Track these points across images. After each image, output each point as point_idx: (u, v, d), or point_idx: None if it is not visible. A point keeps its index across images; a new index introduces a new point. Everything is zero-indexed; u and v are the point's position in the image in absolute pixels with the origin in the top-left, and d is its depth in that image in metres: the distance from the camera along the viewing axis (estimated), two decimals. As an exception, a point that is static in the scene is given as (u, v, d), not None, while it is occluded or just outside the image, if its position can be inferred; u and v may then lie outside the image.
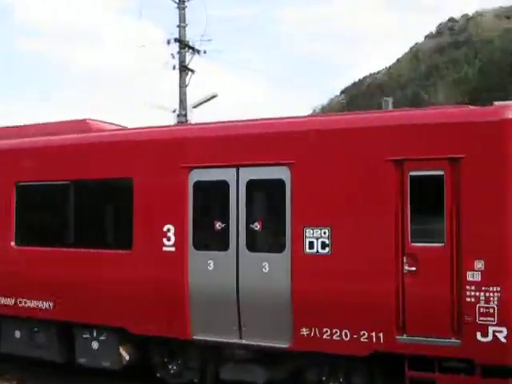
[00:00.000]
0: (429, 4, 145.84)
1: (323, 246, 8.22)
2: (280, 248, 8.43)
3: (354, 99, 78.38)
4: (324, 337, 8.17)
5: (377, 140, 8.03)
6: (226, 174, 8.78)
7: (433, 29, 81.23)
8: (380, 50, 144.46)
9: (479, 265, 7.51)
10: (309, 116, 12.65)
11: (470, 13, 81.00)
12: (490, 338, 7.52)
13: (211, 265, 8.83)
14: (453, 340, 7.64)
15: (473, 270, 7.52)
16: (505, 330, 7.43)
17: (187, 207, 8.92)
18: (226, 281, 8.71)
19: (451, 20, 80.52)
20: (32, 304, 10.00)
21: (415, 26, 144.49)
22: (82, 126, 10.41)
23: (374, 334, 7.91)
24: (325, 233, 8.15)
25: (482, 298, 7.52)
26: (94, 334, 9.75)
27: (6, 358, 10.74)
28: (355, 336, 8.01)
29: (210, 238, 9.06)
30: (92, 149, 9.90)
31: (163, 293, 9.03)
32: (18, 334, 10.38)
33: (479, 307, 7.50)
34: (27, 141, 10.50)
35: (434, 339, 7.68)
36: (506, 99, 8.19)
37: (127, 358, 9.61)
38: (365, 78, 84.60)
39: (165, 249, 9.03)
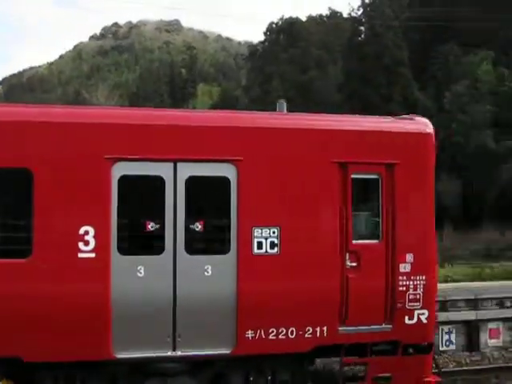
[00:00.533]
0: (95, 6, 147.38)
1: (272, 245, 8.03)
2: (224, 249, 7.95)
3: (12, 90, 74.84)
4: (270, 337, 8.00)
5: (321, 142, 8.25)
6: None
7: (98, 30, 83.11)
8: (44, 44, 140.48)
9: (409, 258, 8.47)
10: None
11: (134, 21, 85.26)
12: (415, 320, 8.54)
13: (141, 271, 7.71)
14: (385, 325, 8.42)
15: (404, 262, 8.46)
16: (426, 312, 8.59)
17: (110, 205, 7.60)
18: (160, 288, 7.74)
19: (115, 25, 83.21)
20: None
21: (81, 26, 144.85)
22: None
23: (318, 328, 8.09)
24: (274, 232, 8.02)
25: (411, 286, 8.50)
26: None
27: None
28: (300, 333, 8.03)
29: (141, 241, 7.99)
30: None
31: (75, 308, 7.48)
32: None
33: (408, 294, 8.46)
34: None
35: (371, 327, 8.31)
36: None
37: None
38: (25, 70, 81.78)
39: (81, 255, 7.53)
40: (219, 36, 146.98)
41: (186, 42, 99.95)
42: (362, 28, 51.96)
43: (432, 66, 44.45)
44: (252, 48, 68.74)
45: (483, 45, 40.20)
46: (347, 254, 8.31)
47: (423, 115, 10.25)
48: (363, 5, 52.77)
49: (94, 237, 7.49)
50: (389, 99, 42.00)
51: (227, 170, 7.99)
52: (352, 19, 54.96)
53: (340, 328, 8.22)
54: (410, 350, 8.67)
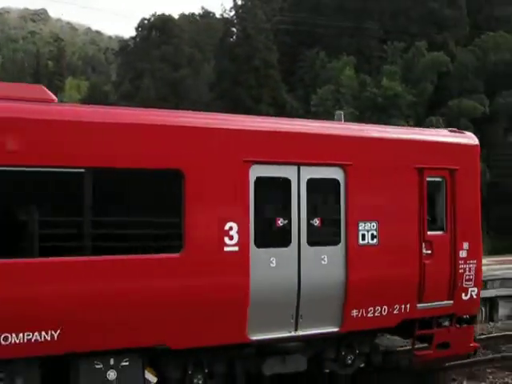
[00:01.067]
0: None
1: (372, 237, 9.69)
2: (336, 241, 9.42)
3: None
4: (368, 315, 9.58)
5: (406, 151, 10.31)
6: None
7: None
8: None
9: (466, 246, 10.60)
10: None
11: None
12: (468, 296, 10.70)
13: (273, 262, 8.84)
14: (448, 302, 10.43)
15: (462, 249, 10.56)
16: (476, 289, 10.80)
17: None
18: (288, 276, 8.95)
19: (-26, 11, 78.31)
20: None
21: None
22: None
23: (403, 305, 9.89)
24: (373, 226, 9.70)
25: (467, 268, 10.61)
26: (111, 362, 8.03)
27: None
28: (391, 310, 9.78)
29: (272, 235, 9.09)
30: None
31: (221, 297, 8.39)
32: None
33: (465, 275, 10.56)
34: None
35: (438, 303, 10.28)
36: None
37: (153, 381, 8.46)
38: None
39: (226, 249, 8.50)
40: (89, 29, 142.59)
41: (53, 33, 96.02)
42: (234, 29, 52.68)
43: (300, 70, 46.10)
44: (123, 43, 67.32)
45: (346, 51, 42.28)
46: (423, 243, 10.19)
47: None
48: (235, 6, 53.56)
49: (238, 232, 8.52)
50: (259, 100, 42.98)
51: (338, 173, 9.48)
52: (224, 20, 55.57)
53: (418, 305, 10.09)
54: (463, 321, 11.01)
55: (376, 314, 9.74)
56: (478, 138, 11.70)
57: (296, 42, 47.32)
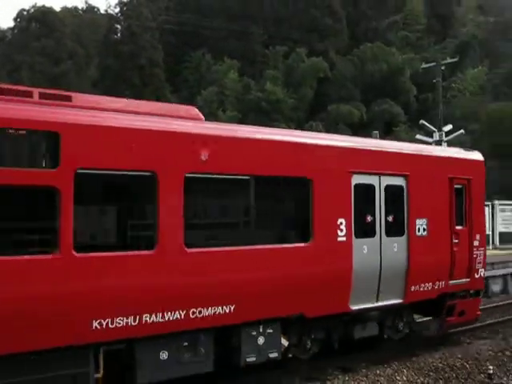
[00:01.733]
0: None
1: (424, 230, 12.63)
2: (402, 233, 12.13)
3: None
4: (420, 289, 12.49)
5: (444, 165, 13.37)
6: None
7: None
8: None
9: (478, 237, 13.94)
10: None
11: None
12: (479, 275, 13.99)
13: (365, 249, 11.52)
14: (466, 279, 13.56)
15: (475, 240, 13.90)
16: (483, 270, 14.21)
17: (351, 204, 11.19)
18: (374, 260, 11.60)
19: None
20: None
21: None
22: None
23: (440, 282, 12.89)
24: (424, 222, 12.65)
25: (478, 254, 14.04)
26: (261, 330, 10.27)
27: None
28: (433, 285, 12.81)
29: (365, 228, 11.54)
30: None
31: (336, 276, 10.95)
32: (164, 355, 9.20)
33: (477, 259, 13.91)
34: None
35: (460, 280, 13.39)
36: None
37: (286, 344, 10.68)
38: None
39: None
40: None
41: None
42: (119, 26, 51.75)
43: (185, 70, 46.11)
44: (0, 34, 64.04)
45: (231, 54, 42.88)
46: (453, 235, 13.28)
47: None
48: (120, 3, 52.62)
49: (345, 226, 11.13)
50: (143, 99, 42.41)
51: (402, 181, 12.41)
52: (109, 16, 54.42)
53: (449, 282, 13.13)
54: (474, 295, 14.12)
55: (425, 289, 12.77)
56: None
57: (182, 42, 47.29)
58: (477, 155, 14.79)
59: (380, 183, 12.07)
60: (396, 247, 12.12)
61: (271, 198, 10.74)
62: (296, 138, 11.24)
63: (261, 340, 10.35)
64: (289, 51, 41.76)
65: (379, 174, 12.03)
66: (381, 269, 11.85)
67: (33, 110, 8.21)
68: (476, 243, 14.03)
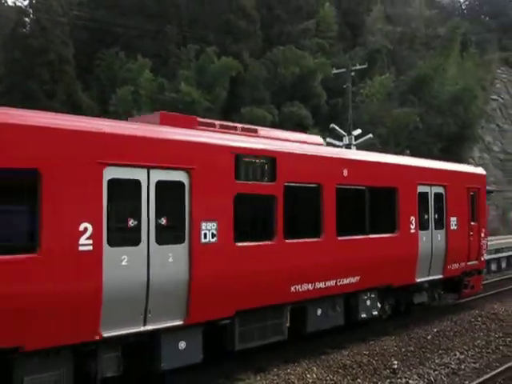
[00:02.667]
0: None
1: (455, 225, 18.11)
2: (441, 226, 18.18)
3: None
4: (452, 268, 17.96)
5: (464, 178, 19.34)
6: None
7: None
8: None
9: (483, 230, 19.60)
10: None
11: None
12: (483, 258, 19.97)
13: (424, 239, 17.07)
14: (476, 261, 19.19)
15: (482, 232, 19.47)
16: (486, 254, 20.90)
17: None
18: (427, 245, 17.22)
19: None
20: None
21: None
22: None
23: (462, 263, 18.38)
24: (456, 219, 18.33)
25: (484, 242, 19.67)
26: (368, 295, 15.00)
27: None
28: (460, 264, 18.24)
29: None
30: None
31: (411, 257, 16.16)
32: (319, 312, 13.43)
33: (483, 246, 19.56)
34: None
35: (473, 262, 18.93)
36: None
37: (379, 307, 15.64)
38: None
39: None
40: None
41: None
42: (28, 19, 49.80)
43: (97, 68, 45.06)
44: None
45: (145, 53, 42.35)
46: (470, 228, 18.86)
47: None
48: (30, -5, 50.66)
49: (415, 222, 16.39)
50: (52, 96, 41.16)
51: (442, 190, 17.80)
52: (17, 8, 52.26)
53: (468, 263, 18.74)
54: (479, 272, 20.08)
55: (455, 267, 18.11)
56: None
57: (94, 39, 46.18)
58: (481, 170, 21.11)
59: (431, 191, 17.31)
60: (439, 237, 17.43)
61: (376, 202, 15.22)
62: (387, 159, 16.29)
63: (368, 302, 15.09)
64: (200, 51, 41.68)
65: (430, 185, 17.22)
66: (432, 252, 16.99)
67: (258, 142, 12.35)
68: (482, 235, 19.72)
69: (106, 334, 9.23)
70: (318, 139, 15.20)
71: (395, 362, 13.20)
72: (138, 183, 9.77)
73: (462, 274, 18.62)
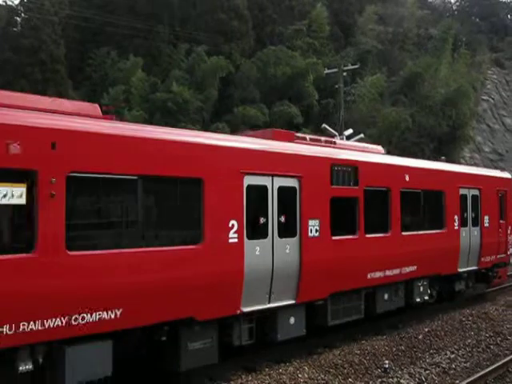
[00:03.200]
0: None
1: (488, 223, 20.99)
2: (478, 224, 20.81)
3: None
4: (485, 260, 20.71)
5: (495, 183, 22.32)
6: None
7: None
8: None
9: (510, 227, 22.51)
10: None
11: None
12: (509, 252, 22.71)
13: (463, 233, 19.50)
14: (504, 254, 21.93)
15: (509, 229, 22.39)
16: (511, 249, 22.99)
17: None
18: (466, 241, 19.82)
19: None
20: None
21: None
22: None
23: (493, 256, 21.07)
24: (489, 218, 21.35)
25: (510, 239, 22.59)
26: (421, 283, 17.74)
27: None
28: (491, 257, 20.98)
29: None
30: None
31: (454, 250, 19.01)
32: (386, 296, 16.25)
33: (509, 242, 22.48)
34: None
35: (502, 255, 21.85)
36: None
37: (433, 294, 18.85)
38: None
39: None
40: None
41: None
42: (19, 19, 49.60)
43: (89, 67, 44.91)
44: None
45: (137, 53, 42.26)
46: (499, 226, 21.60)
47: None
48: (20, -5, 50.44)
49: (458, 220, 19.24)
50: (44, 95, 40.88)
51: (477, 192, 20.45)
52: (8, 7, 52.06)
53: (498, 256, 21.30)
54: (505, 265, 22.58)
55: (487, 260, 20.82)
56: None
57: (85, 38, 46.02)
58: (508, 175, 23.90)
59: (469, 193, 19.89)
60: (476, 233, 20.09)
61: (429, 203, 18.12)
62: (436, 166, 19.17)
63: (421, 288, 17.64)
64: (192, 51, 41.60)
65: (468, 188, 19.84)
66: (470, 246, 19.61)
67: (343, 153, 14.98)
68: (509, 231, 22.64)
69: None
70: (381, 149, 17.89)
71: (386, 362, 13.25)
72: (266, 188, 12.23)
73: (492, 266, 21.50)
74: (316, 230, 13.24)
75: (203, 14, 45.14)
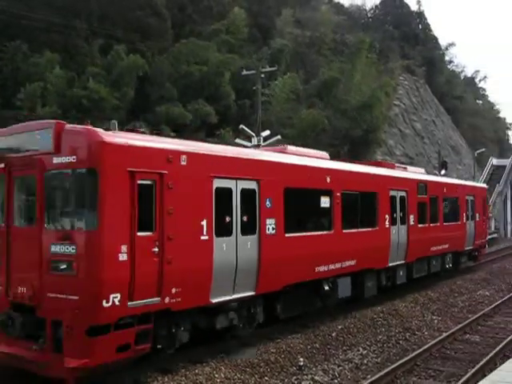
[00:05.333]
0: None
1: (478, 217, 31.66)
2: (473, 219, 31.54)
3: None
4: (476, 242, 31.18)
5: (469, 189, 32.37)
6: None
7: None
8: None
9: (487, 221, 36.99)
10: None
11: None
12: (487, 238, 35.99)
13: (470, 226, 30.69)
14: (484, 240, 33.88)
15: (487, 222, 36.63)
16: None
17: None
18: (472, 230, 31.24)
19: None
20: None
21: None
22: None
23: (481, 240, 32.48)
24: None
25: (487, 228, 36.86)
26: (449, 257, 27.95)
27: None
28: (481, 240, 32.65)
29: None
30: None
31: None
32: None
33: (487, 231, 37.45)
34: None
35: (483, 240, 33.09)
36: None
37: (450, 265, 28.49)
38: None
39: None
40: None
41: None
42: None
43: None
44: None
45: (53, 47, 40.86)
46: (483, 220, 32.91)
47: None
48: None
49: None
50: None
51: (473, 197, 31.23)
52: None
53: (482, 240, 32.79)
54: (484, 246, 34.18)
55: (478, 242, 30.92)
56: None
57: (-4, 30, 43.95)
58: (484, 185, 36.84)
59: (469, 199, 29.87)
60: (472, 225, 29.93)
61: (452, 205, 27.97)
62: (452, 180, 32.42)
63: (447, 260, 27.33)
64: (109, 48, 40.74)
65: (468, 195, 29.49)
66: (472, 232, 29.82)
67: (412, 174, 25.32)
68: (487, 224, 34.19)
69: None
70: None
71: (301, 359, 13.52)
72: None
73: (479, 247, 31.61)
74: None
75: (121, 11, 44.27)
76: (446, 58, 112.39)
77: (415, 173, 25.54)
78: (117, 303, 10.57)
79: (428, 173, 32.76)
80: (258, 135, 32.46)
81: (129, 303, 10.79)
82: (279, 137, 33.45)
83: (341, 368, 13.41)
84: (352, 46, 61.60)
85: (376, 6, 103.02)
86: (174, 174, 11.82)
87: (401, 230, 21.37)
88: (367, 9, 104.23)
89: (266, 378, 12.42)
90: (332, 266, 17.19)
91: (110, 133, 11.53)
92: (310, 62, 58.05)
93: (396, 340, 16.16)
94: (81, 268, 10.52)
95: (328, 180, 17.19)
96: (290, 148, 17.69)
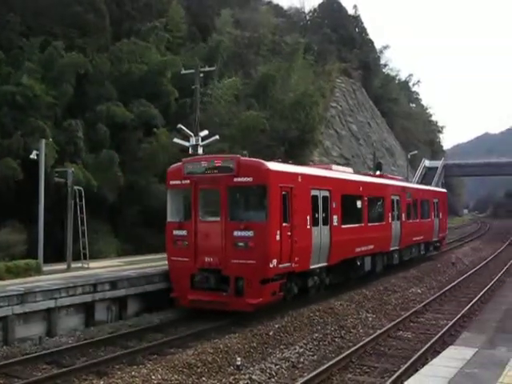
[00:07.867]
0: None
1: (440, 215, 41.70)
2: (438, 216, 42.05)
3: None
4: (440, 235, 42.11)
5: (433, 193, 43.04)
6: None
7: None
8: None
9: (446, 217, 47.13)
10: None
11: None
12: (446, 232, 46.10)
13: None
14: (445, 233, 44.61)
15: (446, 218, 46.18)
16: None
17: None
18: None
19: None
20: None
21: None
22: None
23: (443, 233, 43.97)
24: None
25: (447, 224, 47.17)
26: (421, 246, 36.94)
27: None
28: (443, 233, 43.72)
29: None
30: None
31: None
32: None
33: (447, 226, 48.79)
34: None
35: (445, 233, 45.18)
36: None
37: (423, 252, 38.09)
38: None
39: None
40: None
41: None
42: None
43: None
44: None
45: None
46: (444, 217, 43.66)
47: None
48: None
49: None
50: None
51: (437, 200, 41.60)
52: None
53: (443, 233, 43.32)
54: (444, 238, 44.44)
55: (441, 235, 41.11)
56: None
57: None
58: (444, 190, 46.03)
59: (434, 200, 40.23)
60: (437, 222, 39.34)
61: (427, 206, 37.51)
62: (428, 187, 47.04)
63: (422, 248, 36.90)
64: (46, 44, 39.63)
65: (433, 197, 40.12)
66: (437, 227, 39.29)
67: (406, 183, 41.62)
68: (445, 220, 42.49)
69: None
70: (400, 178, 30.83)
71: (239, 359, 13.61)
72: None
73: (441, 239, 40.71)
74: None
75: (58, 6, 43.15)
76: (382, 62, 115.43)
77: (396, 180, 36.22)
78: (275, 265, 17.53)
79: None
80: (196, 135, 32.34)
81: (279, 265, 17.67)
82: (217, 137, 33.43)
83: (278, 367, 13.58)
84: (289, 46, 62.21)
85: (315, 9, 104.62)
86: (296, 187, 18.90)
87: (397, 224, 29.92)
88: (306, 11, 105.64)
89: (204, 379, 12.44)
90: (364, 248, 24.96)
91: (269, 163, 18.62)
92: (249, 63, 58.25)
93: (332, 338, 16.48)
94: (256, 244, 17.33)
95: (361, 189, 25.65)
96: (334, 166, 26.92)
